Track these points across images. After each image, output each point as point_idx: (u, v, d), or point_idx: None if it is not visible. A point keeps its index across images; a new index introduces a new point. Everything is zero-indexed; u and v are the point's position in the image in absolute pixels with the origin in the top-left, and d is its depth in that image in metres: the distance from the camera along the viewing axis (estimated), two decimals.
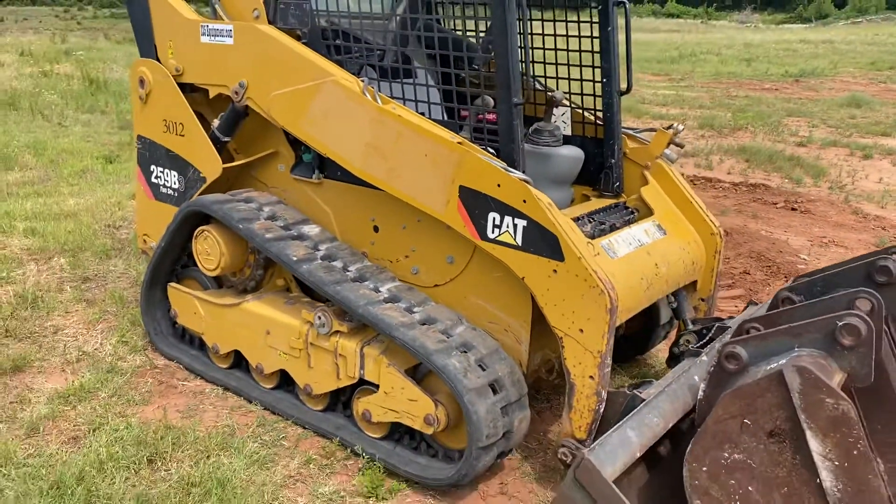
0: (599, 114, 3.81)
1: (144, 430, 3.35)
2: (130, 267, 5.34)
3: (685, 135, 3.74)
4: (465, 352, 3.03)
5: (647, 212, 3.65)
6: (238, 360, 3.85)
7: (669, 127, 3.76)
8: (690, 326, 3.68)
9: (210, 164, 3.88)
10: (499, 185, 3.00)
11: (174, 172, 4.09)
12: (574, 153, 3.68)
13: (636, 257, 3.27)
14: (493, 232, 3.06)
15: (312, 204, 3.80)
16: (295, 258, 3.36)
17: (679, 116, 12.67)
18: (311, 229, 3.64)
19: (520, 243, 2.99)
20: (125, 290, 4.93)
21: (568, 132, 3.92)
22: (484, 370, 2.99)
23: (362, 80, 3.32)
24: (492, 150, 3.14)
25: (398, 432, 3.31)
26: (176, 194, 4.11)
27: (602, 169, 3.79)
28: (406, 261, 3.52)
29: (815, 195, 8.28)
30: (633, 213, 3.61)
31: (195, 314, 3.90)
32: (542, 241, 2.93)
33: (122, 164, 8.25)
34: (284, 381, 3.67)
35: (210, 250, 3.71)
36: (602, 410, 2.95)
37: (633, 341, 3.99)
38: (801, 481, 2.41)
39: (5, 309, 4.53)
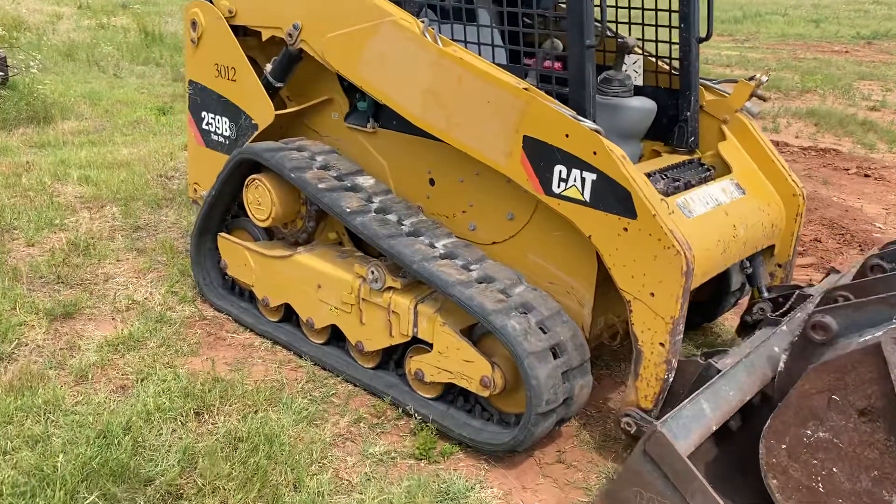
0: (675, 63, 3.55)
1: (192, 381, 3.28)
2: (181, 217, 5.28)
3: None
4: (525, 313, 2.86)
5: (724, 169, 3.40)
6: (288, 314, 3.75)
7: (752, 78, 3.48)
8: (766, 294, 3.44)
9: (262, 111, 3.74)
10: (567, 136, 2.79)
11: (225, 119, 3.96)
12: (646, 105, 3.44)
13: (713, 217, 3.04)
14: (558, 186, 2.86)
15: (366, 154, 3.64)
16: (348, 210, 3.22)
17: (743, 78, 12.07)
18: (366, 180, 3.48)
19: (588, 199, 2.79)
20: (176, 241, 4.87)
21: (639, 82, 3.66)
22: (545, 333, 2.82)
23: (422, 21, 3.12)
24: (559, 99, 2.93)
25: (452, 393, 3.17)
26: (227, 142, 3.99)
27: (676, 122, 3.53)
28: (463, 216, 3.35)
29: (891, 161, 7.84)
30: (709, 170, 3.37)
31: (245, 266, 3.80)
32: (612, 197, 2.73)
33: (176, 116, 8.21)
34: (335, 336, 3.55)
35: (261, 200, 3.59)
36: (671, 380, 2.76)
37: (700, 307, 3.77)
38: (894, 464, 2.20)
39: (58, 255, 4.50)
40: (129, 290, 4.20)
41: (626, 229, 2.72)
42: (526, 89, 2.90)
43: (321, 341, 3.59)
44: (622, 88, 3.35)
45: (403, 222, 3.27)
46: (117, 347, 3.59)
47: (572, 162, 2.79)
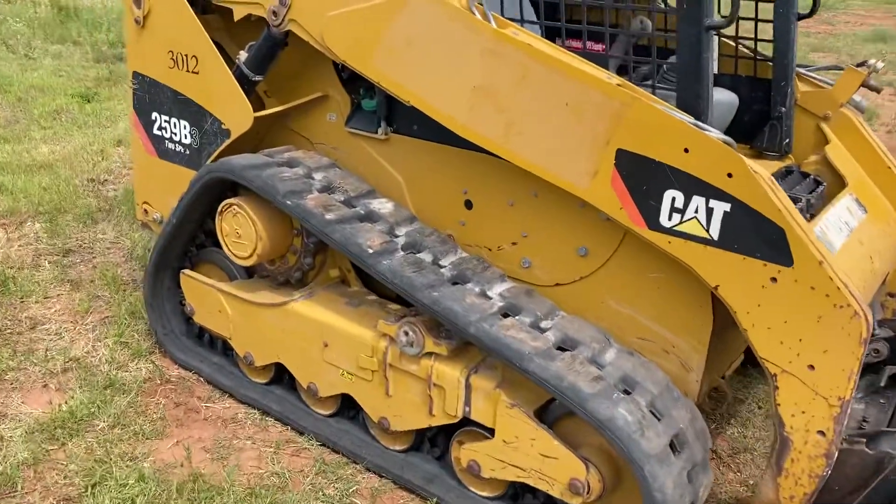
0: (762, 45, 2.82)
1: (163, 484, 2.44)
2: (122, 234, 4.33)
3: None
4: (629, 391, 2.12)
5: (833, 180, 2.71)
6: (280, 373, 2.92)
7: (862, 64, 2.78)
8: (878, 331, 2.79)
9: (236, 112, 2.87)
10: (687, 151, 2.04)
11: (185, 123, 3.06)
12: (726, 98, 2.71)
13: (852, 250, 2.35)
14: (669, 218, 2.10)
15: (376, 168, 2.82)
16: (370, 250, 2.40)
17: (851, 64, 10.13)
18: (382, 205, 2.66)
19: (716, 237, 2.05)
20: (118, 267, 3.95)
21: (715, 69, 2.92)
22: (659, 420, 2.08)
23: None
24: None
25: (516, 486, 2.42)
26: (188, 151, 3.10)
27: (766, 119, 2.81)
28: (513, 249, 2.57)
29: None
30: (819, 183, 2.67)
31: (220, 313, 2.94)
32: (755, 236, 1.99)
33: (103, 104, 7.10)
34: (345, 404, 2.75)
35: (242, 232, 2.73)
36: (828, 475, 2.07)
37: None
38: None
39: None
40: (65, 342, 3.29)
41: (774, 280, 1.99)
42: (620, 85, 2.13)
43: (328, 412, 2.78)
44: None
45: (441, 262, 2.47)
46: (55, 433, 2.71)
47: (694, 186, 2.04)
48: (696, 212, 2.06)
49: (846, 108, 2.81)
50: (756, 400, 3.15)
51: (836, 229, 2.35)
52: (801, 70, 2.87)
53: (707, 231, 2.05)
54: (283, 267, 2.86)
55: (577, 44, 2.50)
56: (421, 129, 2.65)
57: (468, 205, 2.64)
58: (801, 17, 2.74)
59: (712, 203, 2.03)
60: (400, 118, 2.71)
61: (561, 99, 2.17)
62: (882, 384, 2.57)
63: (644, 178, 2.10)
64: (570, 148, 2.20)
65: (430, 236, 2.56)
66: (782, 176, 2.68)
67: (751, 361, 2.91)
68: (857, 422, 2.44)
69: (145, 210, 3.38)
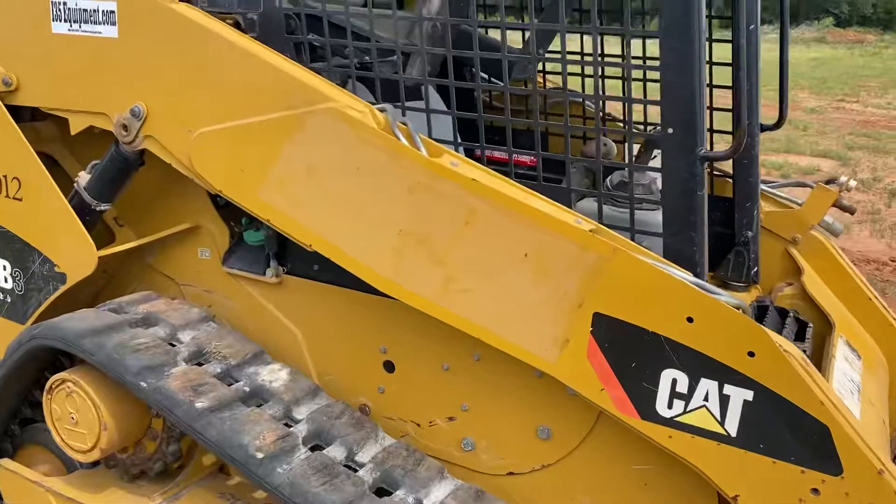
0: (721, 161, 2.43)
1: None
2: None
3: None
4: None
5: (817, 318, 2.31)
6: None
7: (831, 181, 2.43)
8: None
9: (74, 252, 2.17)
10: (691, 320, 1.54)
11: (3, 262, 2.32)
12: None
13: (870, 417, 1.92)
14: (669, 407, 1.58)
15: (264, 319, 2.19)
16: (260, 454, 1.73)
17: (808, 169, 8.74)
18: (274, 375, 2.00)
19: (733, 432, 1.54)
20: None
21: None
22: None
23: (381, 111, 1.77)
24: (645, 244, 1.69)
25: None
26: (8, 299, 2.35)
27: (729, 245, 2.40)
28: (449, 426, 1.99)
29: None
30: (805, 324, 2.25)
31: None
32: (789, 435, 1.50)
33: None
34: None
35: (79, 418, 2.00)
36: None
37: None
38: None
39: None
40: None
41: (815, 491, 1.49)
42: (593, 231, 1.63)
43: None
44: (647, 196, 2.17)
45: (358, 459, 1.83)
46: None
47: (701, 367, 1.54)
48: (707, 400, 1.55)
49: (817, 230, 2.45)
50: None
51: (848, 392, 1.92)
52: (765, 187, 2.50)
53: (722, 424, 1.54)
54: (138, 456, 2.13)
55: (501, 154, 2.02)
56: (324, 270, 2.06)
57: (388, 367, 2.05)
58: (766, 129, 2.39)
59: (728, 389, 1.53)
60: (296, 256, 2.11)
61: (518, 249, 1.64)
62: None
63: (633, 352, 1.59)
64: (530, 310, 1.66)
65: (339, 418, 1.93)
66: (757, 314, 2.25)
67: None
68: None
69: None
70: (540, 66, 2.76)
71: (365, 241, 1.75)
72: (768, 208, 2.48)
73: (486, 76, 2.40)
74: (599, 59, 2.05)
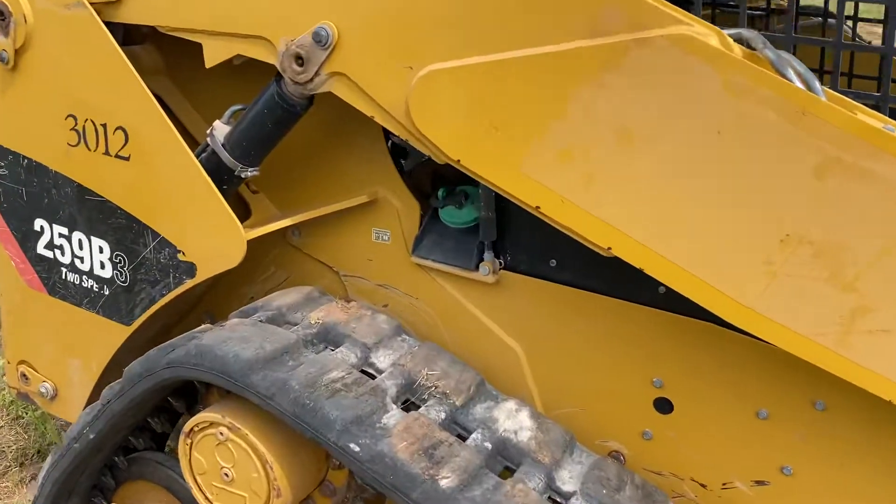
0: None
1: None
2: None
3: None
4: None
5: None
6: None
7: None
8: None
9: (210, 234, 1.54)
10: None
11: (102, 243, 1.70)
12: None
13: None
14: None
15: (469, 329, 1.59)
16: None
17: None
18: (514, 421, 1.41)
19: None
20: None
21: None
22: None
23: (732, 34, 1.13)
24: None
25: None
26: (106, 290, 1.73)
27: None
28: (755, 493, 1.42)
29: None
30: None
31: None
32: None
33: None
34: None
35: (237, 476, 1.42)
36: None
37: None
38: None
39: None
40: None
41: None
42: None
43: None
44: None
45: None
46: None
47: None
48: None
49: None
50: None
51: None
52: None
53: None
54: None
55: None
56: (565, 267, 1.45)
57: (663, 406, 1.47)
58: None
59: None
60: (519, 245, 1.51)
61: None
62: None
63: None
64: None
65: (620, 490, 1.34)
66: None
67: None
68: None
69: (24, 374, 1.97)
70: None
71: (721, 250, 1.13)
72: None
73: None
74: None
